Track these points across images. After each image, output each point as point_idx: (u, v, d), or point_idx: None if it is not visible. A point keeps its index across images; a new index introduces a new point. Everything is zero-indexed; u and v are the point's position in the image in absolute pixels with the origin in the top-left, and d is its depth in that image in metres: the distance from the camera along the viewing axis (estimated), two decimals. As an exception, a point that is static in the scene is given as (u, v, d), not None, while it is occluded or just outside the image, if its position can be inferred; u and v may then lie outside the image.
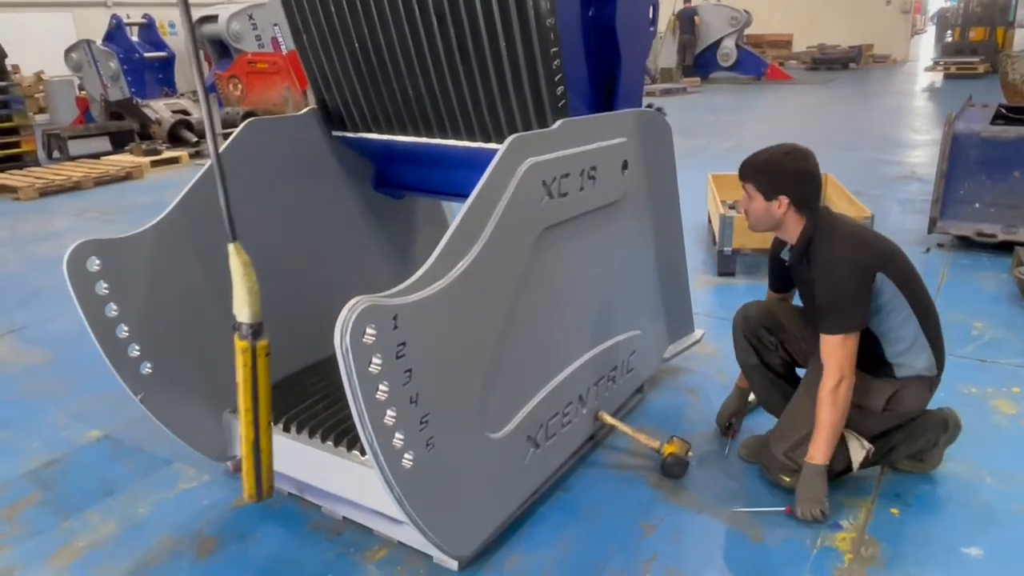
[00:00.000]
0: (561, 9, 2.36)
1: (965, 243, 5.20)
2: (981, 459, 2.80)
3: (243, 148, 2.64)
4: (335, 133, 2.94)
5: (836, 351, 2.34)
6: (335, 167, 3.04)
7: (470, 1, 2.25)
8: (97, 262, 2.26)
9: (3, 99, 9.87)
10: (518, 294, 2.24)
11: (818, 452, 2.41)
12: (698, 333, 3.60)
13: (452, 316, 1.98)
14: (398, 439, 1.85)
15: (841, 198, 5.27)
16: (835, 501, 2.52)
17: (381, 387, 1.78)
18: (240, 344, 1.89)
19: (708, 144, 9.99)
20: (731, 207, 5.36)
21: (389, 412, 1.81)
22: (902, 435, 2.61)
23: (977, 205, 5.16)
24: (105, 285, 2.29)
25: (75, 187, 8.60)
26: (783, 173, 2.41)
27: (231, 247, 1.89)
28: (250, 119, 2.67)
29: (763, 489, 2.66)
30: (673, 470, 2.74)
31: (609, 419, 2.84)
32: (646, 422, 3.17)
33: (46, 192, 8.40)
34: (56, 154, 10.57)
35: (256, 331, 1.89)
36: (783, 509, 2.50)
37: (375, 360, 1.75)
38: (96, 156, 10.15)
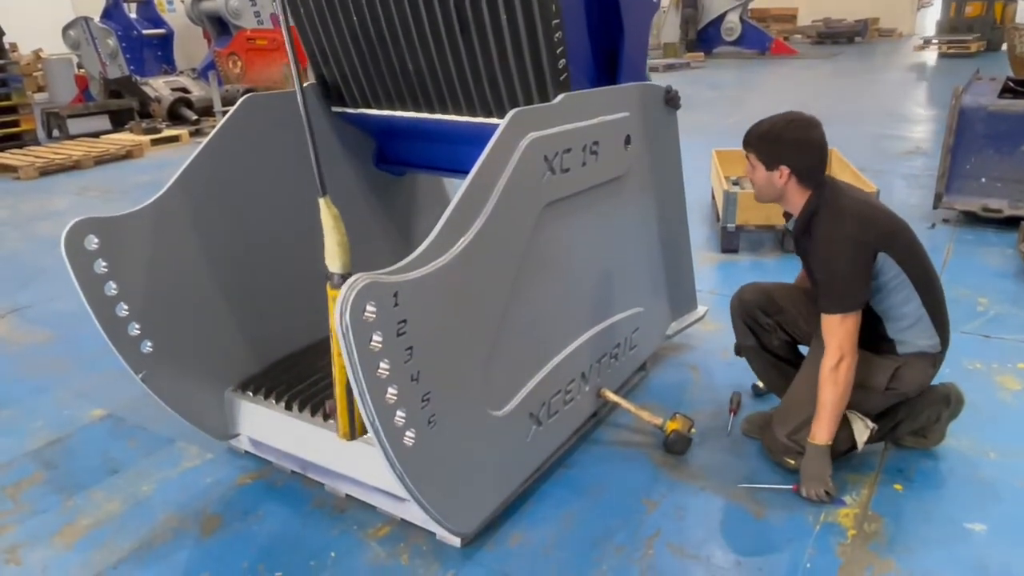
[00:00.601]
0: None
1: (971, 218, 5.16)
2: (985, 435, 2.79)
3: (241, 125, 2.62)
4: (335, 109, 2.91)
5: (836, 330, 2.31)
6: (335, 144, 3.00)
7: (469, -29, 2.21)
8: (95, 240, 2.24)
9: (1, 77, 9.79)
10: (520, 271, 2.22)
11: (821, 432, 2.40)
12: (701, 310, 3.58)
13: (453, 293, 1.96)
14: (400, 417, 1.84)
15: (845, 173, 5.22)
16: (838, 478, 2.52)
17: (382, 365, 1.77)
18: (332, 293, 2.01)
19: (711, 119, 9.91)
20: (735, 183, 5.32)
21: (391, 390, 1.80)
22: (905, 411, 2.60)
23: (983, 180, 5.11)
24: (104, 263, 2.27)
25: (75, 166, 8.56)
26: (784, 143, 2.36)
27: (321, 201, 2.07)
28: (248, 95, 2.63)
29: (766, 466, 2.66)
30: (676, 447, 2.74)
31: (612, 396, 2.83)
32: (649, 399, 3.16)
33: (46, 171, 8.36)
34: (56, 133, 10.52)
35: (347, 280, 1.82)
36: (790, 487, 2.49)
37: (376, 338, 1.73)
38: (95, 135, 10.09)
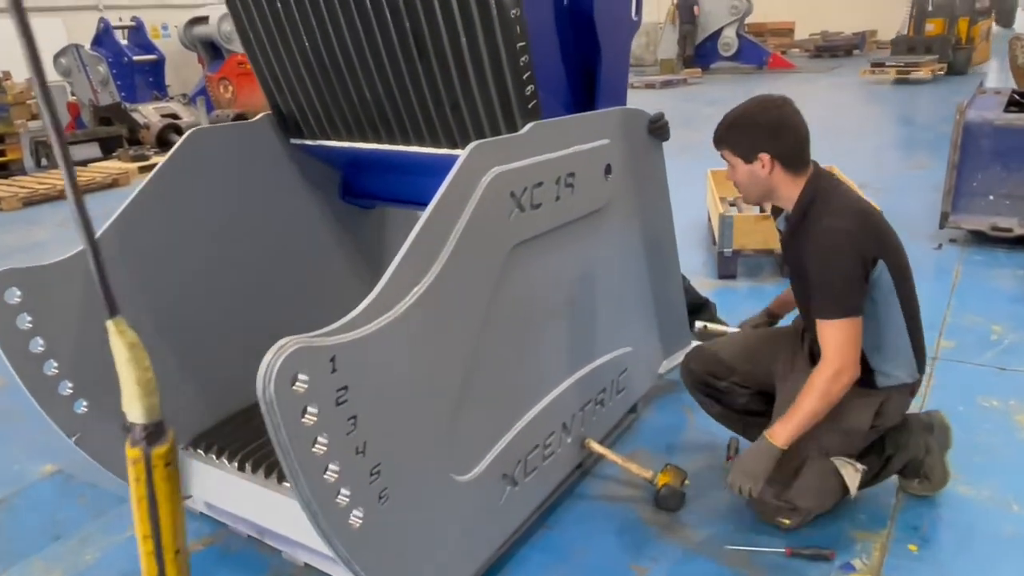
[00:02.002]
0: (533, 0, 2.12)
1: (980, 238, 4.93)
2: (1006, 483, 2.55)
3: (187, 160, 2.41)
4: (293, 141, 2.71)
5: (836, 338, 2.04)
6: (295, 177, 2.80)
7: (425, -8, 2.01)
8: (18, 293, 2.04)
9: (-13, 107, 9.66)
10: (486, 319, 2.00)
11: (782, 433, 2.12)
12: (696, 346, 3.34)
13: (406, 351, 1.74)
14: (343, 496, 1.62)
15: (847, 193, 5.00)
16: (846, 535, 2.29)
17: (319, 440, 1.54)
18: (131, 453, 1.38)
19: (708, 137, 9.69)
20: (732, 204, 5.11)
21: (331, 467, 1.58)
22: (891, 446, 2.38)
23: (991, 197, 4.89)
24: (28, 318, 2.06)
25: (60, 196, 8.37)
26: (756, 126, 2.12)
27: (110, 324, 1.37)
28: (195, 128, 2.43)
29: (764, 523, 2.42)
30: (667, 502, 2.50)
31: (597, 447, 2.60)
32: (640, 445, 2.93)
33: (30, 202, 8.20)
34: (44, 162, 10.37)
35: (152, 433, 1.38)
36: (783, 550, 2.26)
37: (310, 410, 1.51)
38: (84, 163, 9.94)
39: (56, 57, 12.93)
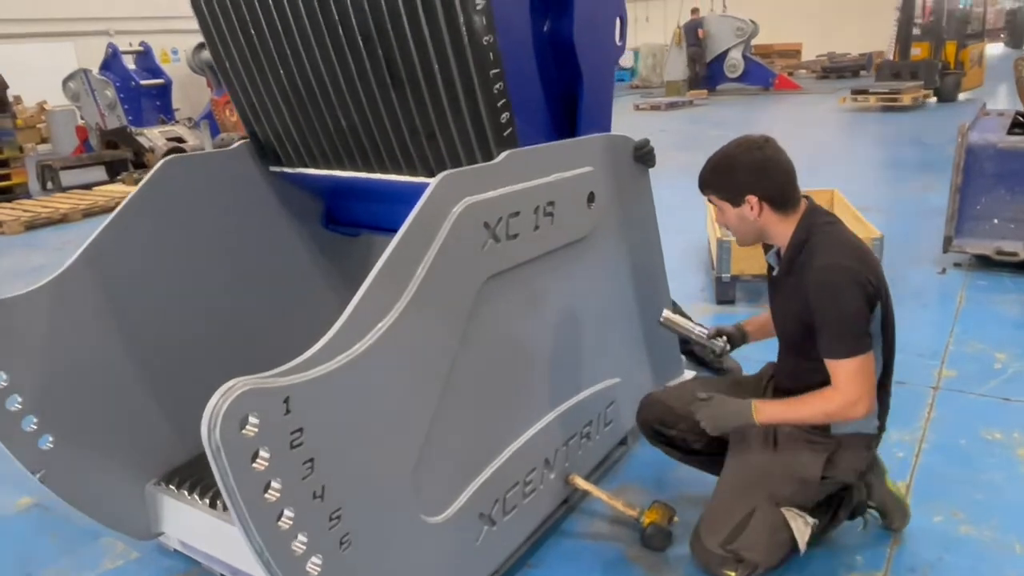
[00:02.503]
0: (507, 25, 2.07)
1: (984, 262, 4.83)
2: (1009, 522, 2.45)
3: (161, 189, 2.37)
4: (272, 169, 2.66)
5: (848, 373, 1.95)
6: (276, 205, 2.75)
7: (396, 18, 1.96)
8: (-21, 327, 1.99)
9: (-7, 131, 9.74)
10: (459, 354, 1.93)
11: (766, 414, 2.10)
12: (689, 375, 3.27)
13: (369, 390, 1.67)
14: (299, 544, 1.54)
15: (847, 216, 4.92)
16: (838, 579, 2.19)
17: (273, 485, 1.47)
18: None
19: None
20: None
21: (286, 513, 1.51)
22: (836, 495, 2.26)
23: (996, 221, 4.80)
24: (-10, 353, 2.01)
25: (63, 219, 8.40)
26: (742, 169, 2.05)
27: None
28: (170, 156, 2.39)
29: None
30: (653, 542, 2.41)
31: (582, 483, 2.52)
32: (628, 480, 2.84)
33: (33, 225, 8.21)
34: (49, 185, 10.43)
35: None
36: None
37: (262, 454, 1.44)
38: (88, 186, 9.98)
39: (65, 81, 13.07)
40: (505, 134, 2.05)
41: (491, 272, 2.00)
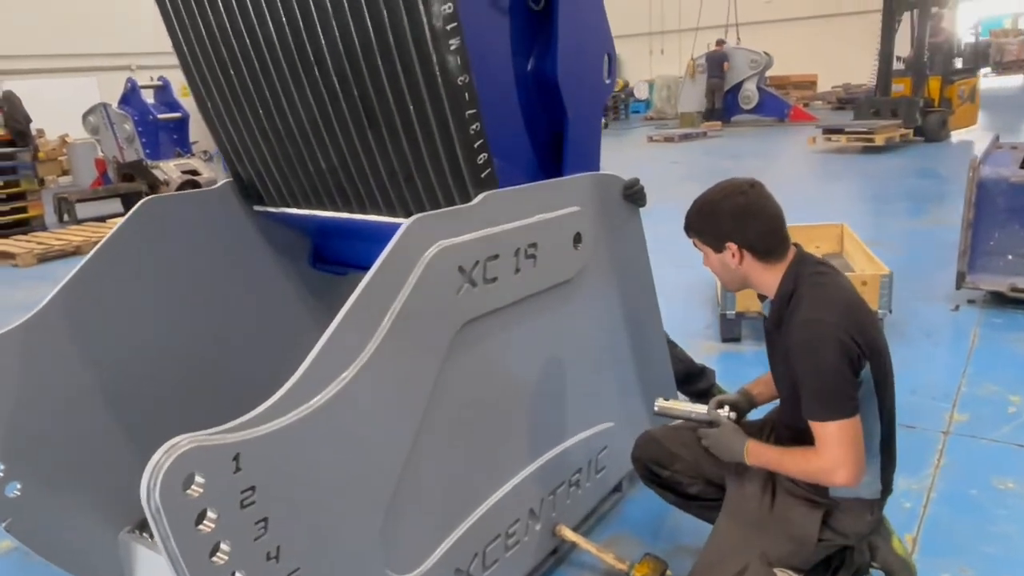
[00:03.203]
0: (486, 64, 2.03)
1: (999, 299, 4.69)
2: (1021, 580, 2.32)
3: (139, 229, 2.34)
4: (257, 208, 2.63)
5: (833, 438, 1.83)
6: (262, 244, 2.71)
7: (370, 58, 1.93)
8: (-55, 373, 1.95)
9: (11, 164, 9.89)
10: (433, 403, 1.86)
11: (757, 458, 2.02)
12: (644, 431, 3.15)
13: (330, 443, 1.60)
14: (251, 608, 1.47)
15: (857, 251, 4.82)
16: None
17: (222, 547, 1.40)
18: None
19: None
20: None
21: (236, 576, 1.43)
22: (836, 557, 2.13)
23: (1010, 256, 4.67)
24: (-44, 398, 1.97)
25: (76, 252, 8.48)
26: (723, 215, 1.97)
27: None
28: (149, 196, 2.36)
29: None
30: (643, 598, 2.30)
31: (570, 535, 2.42)
32: (622, 528, 2.74)
33: (45, 258, 8.29)
34: (65, 218, 10.55)
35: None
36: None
37: (209, 515, 1.37)
38: (103, 219, 10.08)
39: (85, 116, 13.29)
40: (483, 175, 2.00)
41: (467, 318, 1.93)
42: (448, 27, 1.81)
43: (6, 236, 9.14)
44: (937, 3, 12.47)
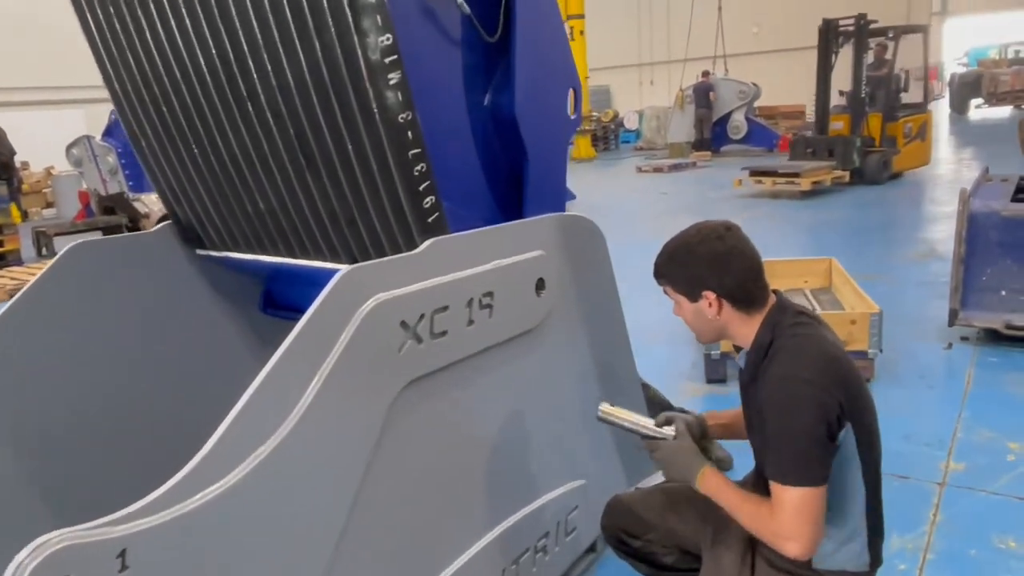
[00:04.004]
0: (435, 99, 1.88)
1: (993, 336, 4.52)
2: (1027, 657, 2.12)
3: (67, 277, 2.16)
4: (199, 252, 2.45)
5: (792, 506, 1.64)
6: (206, 289, 2.53)
7: (305, 93, 1.77)
8: None
9: (-13, 198, 9.73)
10: (371, 475, 1.67)
11: (710, 488, 1.82)
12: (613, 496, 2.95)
13: (245, 528, 1.41)
14: None
15: (845, 287, 4.67)
16: None
17: (102, 658, 1.21)
18: None
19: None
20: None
21: None
22: None
23: (1003, 292, 4.52)
24: None
25: (50, 287, 8.27)
26: (699, 261, 1.80)
27: None
28: (78, 241, 2.19)
29: None
30: None
31: (534, 608, 2.21)
32: (595, 595, 2.53)
33: (16, 293, 8.08)
34: (44, 252, 10.36)
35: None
36: None
37: (86, 622, 1.18)
38: (81, 253, 9.88)
39: (68, 148, 13.16)
40: (430, 220, 1.83)
41: (411, 377, 1.75)
42: (387, 60, 1.65)
43: (-20, 271, 8.94)
44: (875, 34, 11.56)
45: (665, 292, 1.92)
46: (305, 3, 1.62)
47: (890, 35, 11.72)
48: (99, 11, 2.03)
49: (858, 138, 11.33)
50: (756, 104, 18.58)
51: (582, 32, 18.30)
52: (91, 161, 12.89)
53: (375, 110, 1.67)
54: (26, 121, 16.77)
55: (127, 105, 2.17)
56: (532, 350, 2.20)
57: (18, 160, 15.34)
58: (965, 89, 24.99)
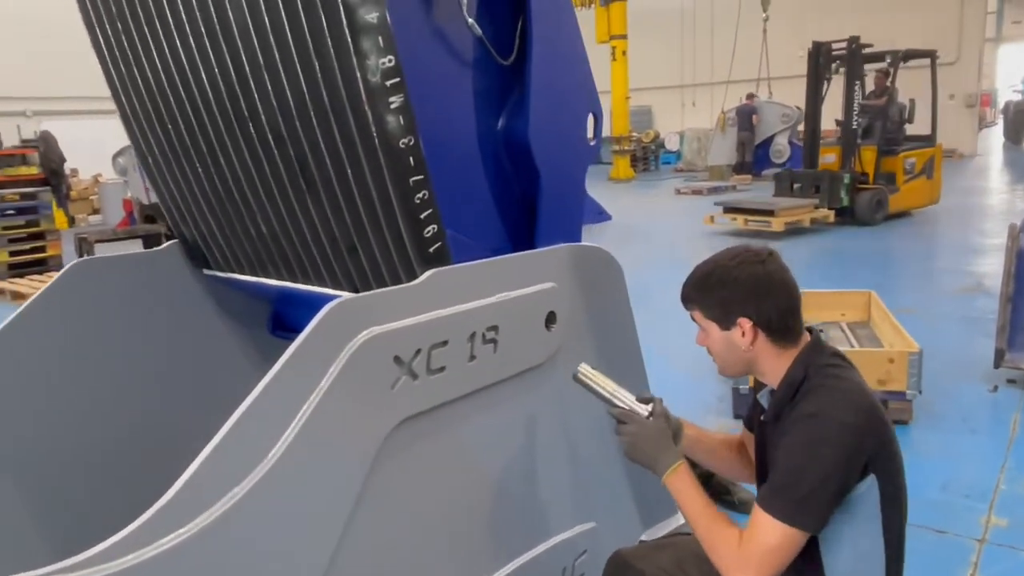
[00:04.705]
0: (444, 124, 1.82)
1: (1042, 380, 4.29)
2: None
3: (70, 293, 2.13)
4: (206, 272, 2.40)
5: (767, 540, 1.52)
6: (213, 309, 2.48)
7: (305, 114, 1.70)
8: None
9: (33, 204, 9.95)
10: (358, 518, 1.58)
11: (676, 487, 1.66)
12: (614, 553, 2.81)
13: (217, 569, 1.33)
14: None
15: (884, 324, 4.47)
16: None
17: None
18: None
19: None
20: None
21: None
22: None
23: (1054, 334, 4.28)
24: None
25: (87, 293, 8.41)
26: (735, 285, 1.67)
27: None
28: (81, 259, 2.15)
29: None
30: None
31: (534, 662, 2.09)
32: (602, 646, 2.39)
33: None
34: (85, 257, 10.55)
35: None
36: None
37: None
38: (121, 260, 10.04)
39: (114, 157, 13.47)
40: (431, 250, 1.74)
41: (405, 415, 1.66)
42: (388, 83, 1.58)
43: (22, 275, 9.14)
44: (871, 60, 10.54)
45: (692, 318, 1.79)
46: (304, 22, 1.56)
47: (888, 61, 10.61)
48: (107, 26, 2.01)
49: (847, 174, 10.08)
50: (799, 128, 18.29)
51: (624, 52, 18.24)
52: (135, 170, 13.17)
53: (374, 134, 1.59)
54: (77, 129, 17.23)
55: (134, 121, 2.14)
56: (540, 386, 2.10)
57: (68, 167, 15.79)
58: (1020, 117, 24.23)
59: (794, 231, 9.78)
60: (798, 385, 1.66)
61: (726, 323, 1.70)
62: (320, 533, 1.50)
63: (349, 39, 1.51)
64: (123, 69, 2.04)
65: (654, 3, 22.96)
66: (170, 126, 2.02)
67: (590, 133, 2.22)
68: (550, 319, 2.05)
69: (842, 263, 8.44)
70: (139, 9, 1.87)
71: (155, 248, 2.37)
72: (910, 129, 11.31)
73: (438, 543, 1.85)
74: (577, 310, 2.19)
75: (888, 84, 10.48)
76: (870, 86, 10.75)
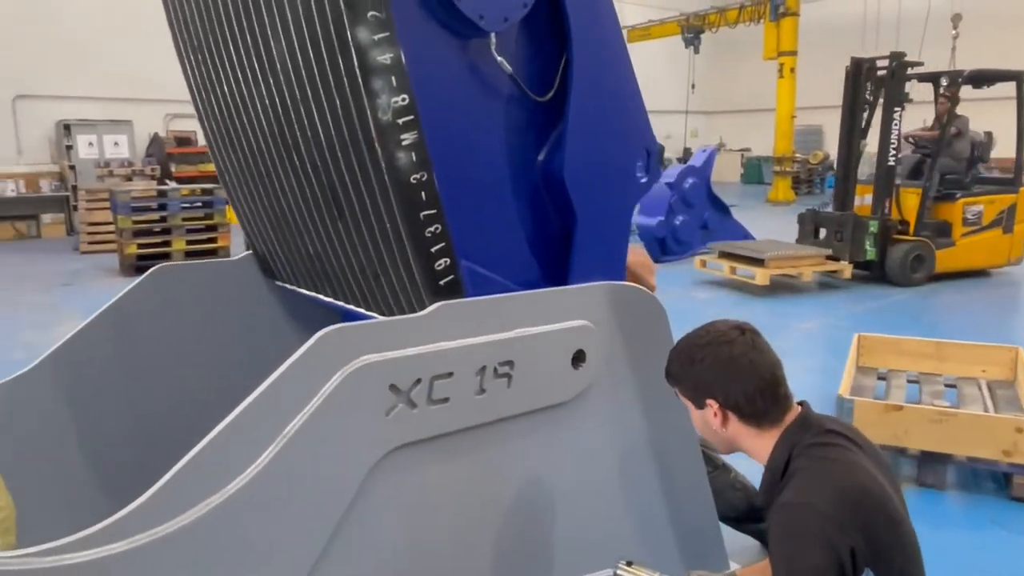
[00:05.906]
0: (470, 161, 1.84)
1: None
2: None
3: (147, 296, 2.35)
4: (278, 283, 2.57)
5: None
6: (283, 319, 2.65)
7: (332, 149, 1.79)
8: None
9: (210, 199, 10.98)
10: (339, 544, 1.63)
11: None
12: (735, 568, 2.66)
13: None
14: None
15: (1025, 387, 3.97)
16: None
17: None
18: None
19: (858, 294, 7.69)
20: (881, 378, 4.27)
21: None
22: None
23: None
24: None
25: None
26: (700, 366, 1.62)
27: None
28: (161, 264, 2.37)
29: None
30: None
31: None
32: None
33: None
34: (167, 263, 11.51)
35: None
36: None
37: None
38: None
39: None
40: (442, 282, 1.77)
41: (399, 442, 1.70)
42: (400, 120, 1.63)
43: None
44: (929, 80, 8.62)
45: (676, 394, 1.75)
46: (326, 61, 1.65)
47: (944, 83, 8.52)
48: (190, 55, 2.21)
49: (874, 220, 7.86)
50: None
51: (792, 69, 17.46)
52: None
53: (383, 168, 1.65)
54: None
55: (212, 142, 2.34)
56: (565, 424, 2.07)
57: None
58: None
59: (786, 287, 7.87)
60: (783, 469, 1.56)
61: (698, 403, 1.67)
62: (297, 551, 1.57)
63: (360, 79, 1.58)
64: (203, 94, 2.24)
65: (830, 17, 21.80)
66: (237, 149, 2.19)
67: (643, 169, 2.17)
68: (579, 357, 2.02)
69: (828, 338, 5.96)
70: (211, 42, 2.05)
71: (230, 258, 2.56)
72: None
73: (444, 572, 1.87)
74: (615, 350, 2.13)
75: (948, 112, 8.20)
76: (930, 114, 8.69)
